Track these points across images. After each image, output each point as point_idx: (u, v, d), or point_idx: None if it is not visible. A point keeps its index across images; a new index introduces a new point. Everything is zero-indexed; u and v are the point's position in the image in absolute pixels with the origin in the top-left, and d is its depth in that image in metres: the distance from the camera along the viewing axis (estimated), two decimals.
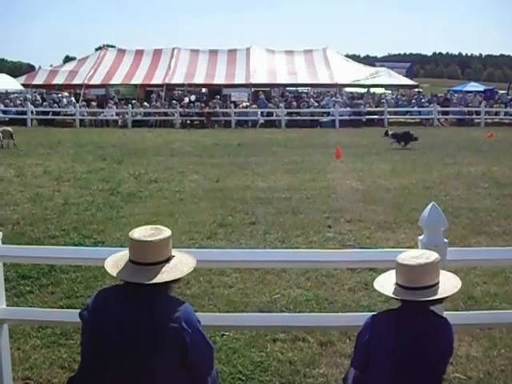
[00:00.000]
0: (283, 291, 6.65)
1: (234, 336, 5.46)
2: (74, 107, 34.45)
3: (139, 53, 43.12)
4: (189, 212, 10.73)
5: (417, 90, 43.73)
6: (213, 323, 4.12)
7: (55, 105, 36.10)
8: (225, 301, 6.38)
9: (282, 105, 34.34)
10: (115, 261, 3.08)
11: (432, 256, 3.05)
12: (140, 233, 2.97)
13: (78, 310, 4.75)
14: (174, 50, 42.33)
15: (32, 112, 33.85)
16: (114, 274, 2.98)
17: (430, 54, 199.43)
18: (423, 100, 38.25)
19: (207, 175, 15.09)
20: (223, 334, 5.41)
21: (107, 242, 8.48)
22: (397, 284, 3.05)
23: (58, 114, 34.67)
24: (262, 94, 37.84)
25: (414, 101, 37.91)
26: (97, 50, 56.53)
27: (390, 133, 22.98)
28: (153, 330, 2.81)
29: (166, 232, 3.01)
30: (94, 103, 36.90)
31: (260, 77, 39.25)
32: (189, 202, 11.73)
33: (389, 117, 33.66)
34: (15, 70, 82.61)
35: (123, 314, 2.86)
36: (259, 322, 4.29)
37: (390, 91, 46.45)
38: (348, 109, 34.94)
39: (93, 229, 9.45)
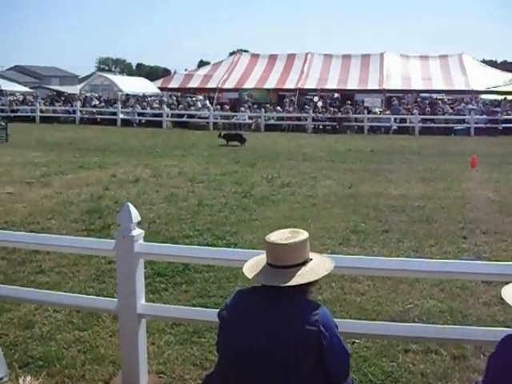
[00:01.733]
0: (416, 301, 6.50)
1: (364, 344, 5.38)
2: (208, 110, 35.36)
3: (273, 57, 43.71)
4: (321, 217, 10.72)
5: None
6: (344, 330, 4.06)
7: (190, 108, 37.25)
8: (357, 308, 6.31)
9: (415, 111, 33.58)
10: (253, 264, 3.12)
11: None
12: (277, 236, 2.99)
13: (211, 310, 4.92)
14: (307, 54, 42.57)
15: (167, 115, 35.11)
16: (251, 277, 3.01)
17: None
18: None
19: (340, 181, 15.02)
20: (354, 342, 5.34)
21: (240, 244, 8.63)
22: None
23: (192, 116, 35.74)
24: (395, 99, 37.21)
25: None
26: (231, 54, 57.89)
27: None
28: (290, 332, 2.81)
29: (303, 235, 3.00)
30: (227, 107, 37.76)
31: (393, 82, 38.66)
32: (321, 207, 11.71)
33: None
34: (152, 74, 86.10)
35: (261, 315, 2.88)
36: (391, 331, 4.19)
37: None
38: (484, 116, 33.63)
39: (226, 230, 9.65)
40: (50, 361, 5.20)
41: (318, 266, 3.01)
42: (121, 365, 4.70)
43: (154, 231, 9.28)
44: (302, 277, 2.91)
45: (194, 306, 6.18)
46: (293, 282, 2.88)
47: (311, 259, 3.02)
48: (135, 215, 4.22)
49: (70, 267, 7.76)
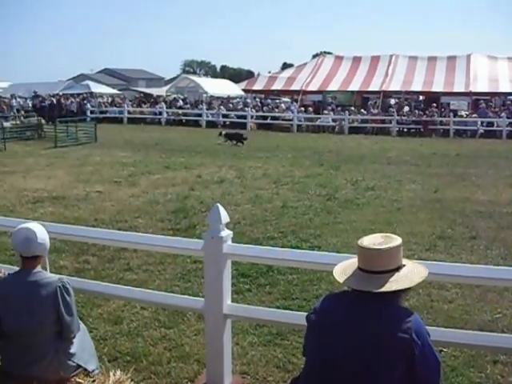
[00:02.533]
0: (505, 311, 6.32)
1: (452, 353, 5.26)
2: (292, 112, 35.38)
3: (356, 59, 43.29)
4: (407, 222, 10.54)
5: None
6: (432, 338, 3.96)
7: (274, 110, 37.36)
8: (444, 316, 6.18)
9: (503, 114, 32.49)
10: (343, 268, 3.09)
11: None
12: (370, 240, 2.94)
13: (294, 312, 4.90)
14: (391, 56, 41.91)
15: (251, 116, 35.34)
16: (342, 281, 2.98)
17: None
18: None
19: (425, 185, 14.71)
20: (441, 350, 5.21)
21: (323, 247, 8.57)
22: None
23: (276, 118, 35.83)
24: (482, 102, 36.12)
25: None
26: (314, 56, 57.75)
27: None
28: (381, 339, 2.76)
29: (397, 240, 2.94)
30: (310, 109, 37.67)
31: (480, 85, 37.48)
32: (407, 211, 11.50)
33: None
34: (236, 76, 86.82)
35: (351, 320, 2.85)
36: (479, 341, 4.06)
37: None
38: None
39: (310, 233, 9.63)
40: (137, 356, 5.33)
41: (411, 273, 2.95)
42: (205, 364, 4.75)
43: (239, 232, 9.32)
44: (395, 283, 2.86)
45: (278, 307, 6.17)
46: (386, 288, 2.83)
47: (404, 265, 2.97)
48: (224, 216, 4.26)
49: (157, 265, 7.93)
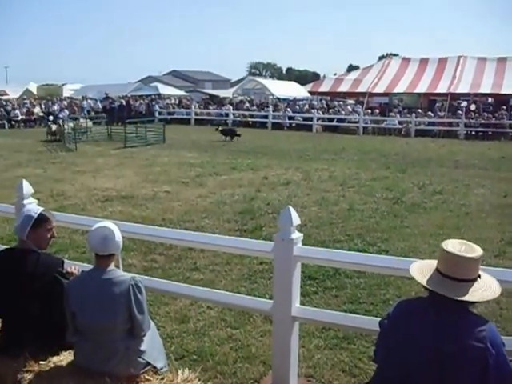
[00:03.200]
0: None
1: None
2: (358, 115, 35.08)
3: (424, 61, 42.54)
4: (475, 227, 10.29)
5: None
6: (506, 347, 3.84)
7: (340, 112, 37.12)
8: None
9: None
10: (420, 267, 3.02)
11: None
12: (454, 247, 2.86)
13: (362, 316, 4.83)
14: (459, 58, 40.96)
15: (317, 118, 35.19)
16: (424, 283, 2.90)
17: None
18: None
19: (494, 189, 14.35)
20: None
21: (391, 251, 8.48)
22: None
23: (342, 121, 35.58)
24: None
25: None
26: (380, 58, 57.09)
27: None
28: (456, 346, 2.70)
29: (480, 250, 2.89)
30: (376, 111, 37.27)
31: None
32: (475, 216, 11.24)
33: None
34: (301, 78, 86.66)
35: (426, 326, 2.79)
36: None
37: None
38: None
39: (377, 236, 9.53)
40: (203, 356, 5.36)
41: (491, 284, 2.89)
42: (271, 365, 4.73)
43: (305, 234, 9.17)
44: (481, 292, 2.82)
45: (344, 311, 6.12)
46: (470, 297, 2.79)
47: (479, 276, 2.89)
48: (295, 218, 4.23)
49: (223, 266, 7.97)
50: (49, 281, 3.99)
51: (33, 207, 4.39)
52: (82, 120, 30.69)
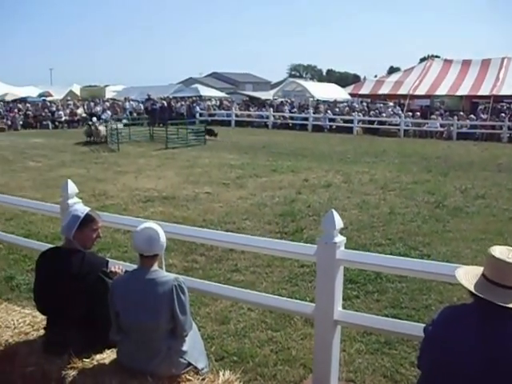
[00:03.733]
0: None
1: None
2: (400, 117, 34.75)
3: (466, 63, 41.83)
4: None
5: None
6: None
7: (382, 114, 36.84)
8: None
9: None
10: (466, 273, 2.96)
11: None
12: (503, 253, 2.79)
13: (404, 321, 4.77)
14: (503, 59, 40.18)
15: (358, 121, 34.97)
16: (472, 288, 2.83)
17: None
18: None
19: None
20: None
21: (433, 256, 8.36)
22: None
23: (382, 123, 35.29)
24: None
25: None
26: (422, 60, 56.51)
27: None
28: (504, 357, 2.63)
29: None
30: (417, 114, 36.86)
31: None
32: None
33: None
34: (342, 80, 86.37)
35: (472, 337, 2.72)
36: None
37: None
38: None
39: (418, 240, 9.42)
40: (243, 357, 5.36)
41: None
42: (312, 369, 4.70)
43: (346, 237, 9.10)
44: None
45: (386, 316, 6.05)
46: None
47: None
48: (338, 222, 4.20)
49: (264, 268, 7.96)
50: (93, 280, 4.04)
51: (80, 207, 4.43)
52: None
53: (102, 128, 27.54)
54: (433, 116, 35.67)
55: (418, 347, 4.25)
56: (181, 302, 3.74)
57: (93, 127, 27.52)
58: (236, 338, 5.84)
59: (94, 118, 31.30)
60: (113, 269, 4.25)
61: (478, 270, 2.92)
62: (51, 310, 4.19)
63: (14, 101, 45.02)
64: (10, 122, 36.68)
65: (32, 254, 8.30)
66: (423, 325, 3.20)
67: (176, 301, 3.71)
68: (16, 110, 38.84)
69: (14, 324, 4.70)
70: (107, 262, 4.27)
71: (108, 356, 4.08)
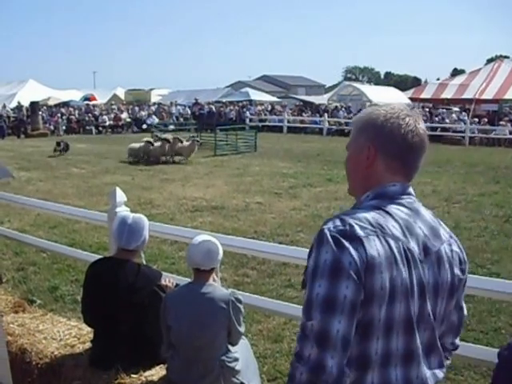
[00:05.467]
0: None
1: None
2: (464, 123, 34.29)
3: None
4: None
5: None
6: None
7: (445, 120, 36.40)
8: None
9: None
10: None
11: None
12: None
13: (471, 345, 4.71)
14: None
15: None
16: None
17: None
18: None
19: None
20: None
21: (503, 275, 8.19)
22: None
23: (446, 130, 34.87)
24: None
25: None
26: (489, 61, 55.65)
27: None
28: None
29: None
30: (484, 119, 36.29)
31: None
32: None
33: None
34: (401, 83, 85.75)
35: None
36: None
37: None
38: None
39: (486, 258, 9.30)
40: None
41: None
42: None
43: None
44: None
45: None
46: None
47: None
48: None
49: None
50: (148, 294, 4.10)
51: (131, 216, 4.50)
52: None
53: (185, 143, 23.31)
54: (501, 122, 35.03)
55: (488, 374, 4.21)
56: (238, 318, 3.78)
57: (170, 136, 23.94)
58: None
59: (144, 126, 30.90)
60: (163, 282, 4.30)
61: None
62: (100, 323, 4.24)
63: (57, 105, 46.12)
64: (52, 127, 37.61)
65: (76, 264, 8.51)
66: (493, 349, 3.17)
67: (233, 316, 3.74)
68: (59, 115, 39.76)
69: (59, 336, 4.79)
70: (161, 275, 4.34)
71: (157, 372, 4.13)
